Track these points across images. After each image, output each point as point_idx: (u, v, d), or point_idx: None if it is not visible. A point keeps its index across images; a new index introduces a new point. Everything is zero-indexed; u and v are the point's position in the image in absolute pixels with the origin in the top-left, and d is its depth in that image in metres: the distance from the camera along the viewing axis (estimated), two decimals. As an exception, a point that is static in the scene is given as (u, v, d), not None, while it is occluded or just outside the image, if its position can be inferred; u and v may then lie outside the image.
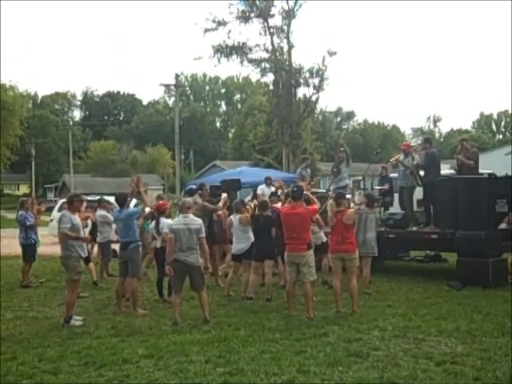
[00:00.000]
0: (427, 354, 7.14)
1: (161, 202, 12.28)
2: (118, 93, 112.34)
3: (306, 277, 9.47)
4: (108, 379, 6.52)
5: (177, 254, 9.21)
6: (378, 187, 16.54)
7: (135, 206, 12.53)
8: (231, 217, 12.05)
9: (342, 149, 15.86)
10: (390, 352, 7.27)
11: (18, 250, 14.56)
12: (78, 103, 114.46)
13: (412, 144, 18.13)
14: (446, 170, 17.79)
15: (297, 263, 9.53)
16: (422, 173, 14.30)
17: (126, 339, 8.28)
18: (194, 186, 14.10)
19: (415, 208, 15.17)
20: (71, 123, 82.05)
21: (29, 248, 13.91)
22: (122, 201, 10.77)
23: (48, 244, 19.70)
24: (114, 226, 12.32)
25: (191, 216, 9.47)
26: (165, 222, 11.15)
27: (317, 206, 10.04)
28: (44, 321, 9.87)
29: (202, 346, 7.74)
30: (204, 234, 9.39)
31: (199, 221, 9.49)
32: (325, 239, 12.37)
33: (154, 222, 11.66)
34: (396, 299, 10.87)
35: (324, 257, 12.36)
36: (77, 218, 9.87)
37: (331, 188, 15.61)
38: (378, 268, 12.99)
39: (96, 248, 15.09)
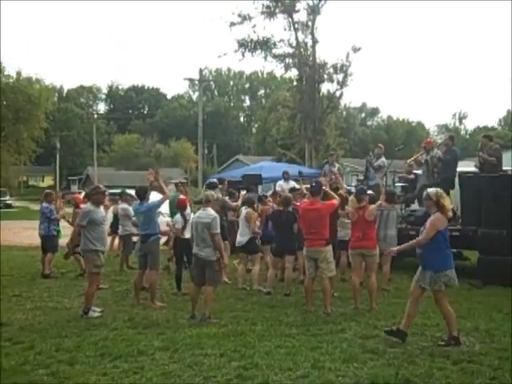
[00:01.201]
0: (444, 352, 7.07)
1: (181, 197, 12.30)
2: (143, 87, 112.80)
3: (324, 272, 9.45)
4: (123, 370, 6.54)
5: (194, 247, 9.27)
6: (401, 184, 16.40)
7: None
8: (242, 209, 12.11)
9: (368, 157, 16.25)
10: (407, 349, 7.23)
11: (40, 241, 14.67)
12: (103, 97, 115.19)
13: (437, 140, 18.06)
14: (470, 167, 17.59)
15: (315, 258, 9.52)
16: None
17: (143, 331, 8.31)
18: (215, 180, 14.05)
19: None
20: (96, 116, 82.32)
21: (49, 239, 14.00)
22: (142, 194, 10.80)
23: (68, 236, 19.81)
24: (133, 219, 12.33)
25: (208, 209, 9.30)
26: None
27: (336, 201, 9.94)
28: (63, 311, 9.93)
29: (218, 339, 7.75)
30: (217, 230, 9.11)
31: (212, 215, 9.18)
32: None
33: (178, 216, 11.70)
34: (415, 297, 10.77)
35: (342, 253, 12.35)
36: (101, 211, 9.85)
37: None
38: (398, 265, 12.89)
39: (117, 240, 15.17)
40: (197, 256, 9.21)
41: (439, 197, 7.57)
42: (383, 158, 15.81)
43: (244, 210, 11.97)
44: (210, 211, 9.32)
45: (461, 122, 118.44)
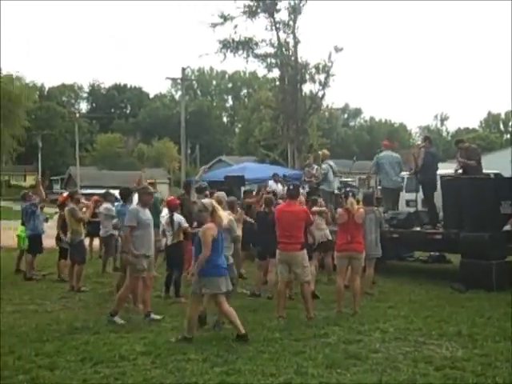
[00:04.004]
0: (427, 357, 7.04)
1: (171, 197, 12.19)
2: (125, 86, 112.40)
3: (301, 278, 9.30)
4: (104, 376, 6.45)
5: None
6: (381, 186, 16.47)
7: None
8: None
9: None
10: (390, 355, 7.18)
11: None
12: (85, 95, 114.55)
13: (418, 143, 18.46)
14: (452, 169, 17.71)
15: (289, 263, 9.34)
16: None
17: (125, 335, 8.22)
18: (205, 183, 13.71)
19: (420, 207, 15.11)
20: (78, 115, 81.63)
21: (36, 239, 13.87)
22: (126, 195, 10.70)
23: (52, 236, 19.60)
24: (114, 221, 12.19)
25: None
26: (179, 218, 11.03)
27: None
28: (44, 314, 9.83)
29: (201, 344, 7.67)
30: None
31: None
32: (330, 237, 12.39)
33: (166, 219, 11.42)
34: (398, 300, 10.78)
35: (327, 255, 12.50)
36: (147, 213, 9.39)
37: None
38: (382, 268, 12.89)
39: (96, 241, 15.12)
40: None
41: (214, 208, 7.94)
42: (324, 165, 16.53)
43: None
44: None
45: (442, 124, 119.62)
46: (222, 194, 9.27)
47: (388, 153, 15.04)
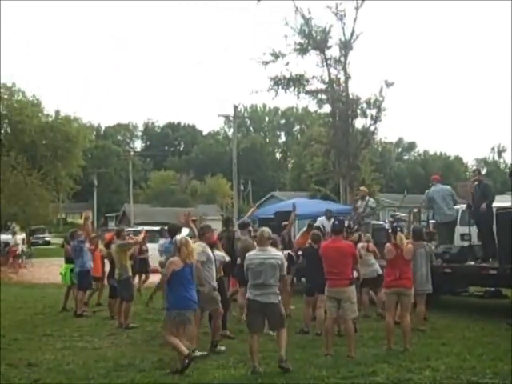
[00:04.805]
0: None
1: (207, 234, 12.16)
2: (179, 124, 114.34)
3: (347, 313, 9.11)
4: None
5: (251, 292, 8.50)
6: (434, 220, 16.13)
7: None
8: None
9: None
10: (442, 395, 6.93)
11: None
12: (140, 134, 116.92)
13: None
14: (507, 202, 17.22)
15: (338, 299, 9.20)
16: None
17: (170, 373, 8.13)
18: (247, 220, 13.67)
19: (475, 241, 14.71)
20: (132, 154, 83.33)
21: (84, 275, 14.00)
22: (174, 232, 10.73)
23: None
24: (160, 259, 12.23)
25: (269, 248, 8.66)
26: (218, 254, 10.96)
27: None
28: (92, 351, 9.85)
29: (246, 382, 7.56)
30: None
31: (280, 255, 8.74)
32: (380, 272, 12.24)
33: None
34: (451, 337, 10.43)
35: (378, 291, 12.33)
36: (210, 251, 9.64)
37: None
38: (434, 303, 12.56)
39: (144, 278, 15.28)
40: (259, 302, 8.37)
41: (182, 244, 8.49)
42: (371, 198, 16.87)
43: None
44: (273, 250, 8.78)
45: (500, 156, 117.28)
46: (266, 230, 9.07)
47: (438, 187, 14.75)
